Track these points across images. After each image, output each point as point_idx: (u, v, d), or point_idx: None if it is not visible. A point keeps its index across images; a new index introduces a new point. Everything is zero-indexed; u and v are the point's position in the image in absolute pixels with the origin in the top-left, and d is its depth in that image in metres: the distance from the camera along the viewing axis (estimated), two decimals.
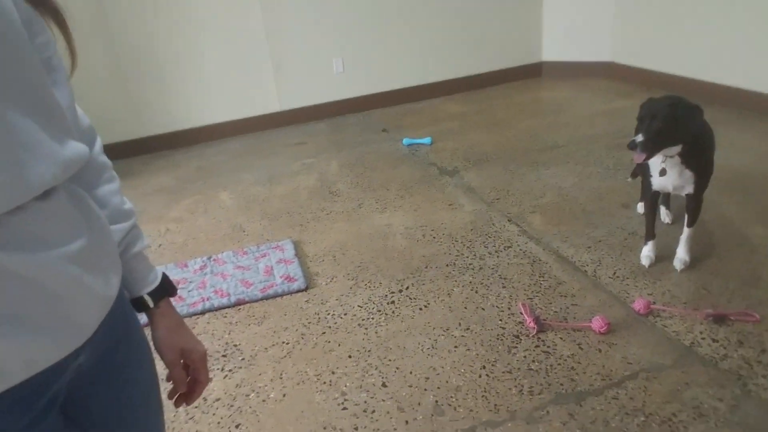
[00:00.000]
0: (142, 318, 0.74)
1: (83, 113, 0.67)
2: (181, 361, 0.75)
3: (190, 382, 0.77)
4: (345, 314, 1.90)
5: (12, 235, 0.48)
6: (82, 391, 0.62)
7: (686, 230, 1.93)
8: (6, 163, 0.47)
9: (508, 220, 2.41)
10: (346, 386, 1.59)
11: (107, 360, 0.64)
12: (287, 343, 1.79)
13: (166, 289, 0.75)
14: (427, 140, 3.42)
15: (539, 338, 1.68)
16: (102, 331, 0.60)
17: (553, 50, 4.54)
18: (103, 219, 0.64)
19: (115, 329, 0.64)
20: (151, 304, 0.73)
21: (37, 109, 0.51)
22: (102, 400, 0.65)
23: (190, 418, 1.53)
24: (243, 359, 1.74)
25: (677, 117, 1.66)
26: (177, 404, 0.78)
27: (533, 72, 4.61)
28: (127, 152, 3.80)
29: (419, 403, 1.50)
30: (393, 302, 1.94)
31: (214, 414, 1.54)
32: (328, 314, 1.91)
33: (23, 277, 0.49)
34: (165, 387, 0.75)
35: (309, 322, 1.88)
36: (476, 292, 1.94)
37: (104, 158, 0.71)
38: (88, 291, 0.56)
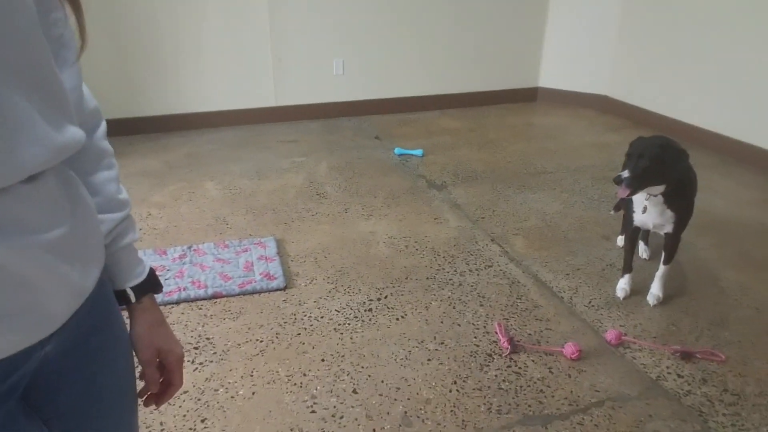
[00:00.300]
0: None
1: (90, 95, 0.66)
2: (157, 360, 0.74)
3: (163, 384, 0.75)
4: (322, 317, 1.90)
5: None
6: (48, 380, 0.59)
7: (662, 267, 1.98)
8: None
9: (491, 240, 2.44)
10: (316, 389, 1.58)
11: (79, 348, 0.62)
12: (261, 341, 1.78)
13: (151, 285, 0.73)
14: (418, 152, 3.44)
15: (512, 359, 1.71)
16: (74, 321, 0.58)
17: (550, 77, 4.63)
18: (91, 207, 0.63)
19: (92, 316, 0.62)
20: (132, 298, 0.71)
21: (36, 90, 0.49)
22: (70, 389, 0.63)
23: (155, 409, 1.50)
24: (215, 353, 1.73)
25: (664, 158, 1.71)
26: (146, 404, 0.77)
27: (529, 96, 4.69)
28: (116, 131, 3.74)
29: (388, 413, 1.50)
30: (370, 310, 1.95)
31: (180, 406, 1.52)
32: (305, 316, 1.91)
33: (7, 259, 0.47)
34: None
35: (285, 322, 1.87)
36: (454, 307, 1.96)
37: (106, 144, 0.69)
38: (62, 281, 0.54)
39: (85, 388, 0.64)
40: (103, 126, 0.69)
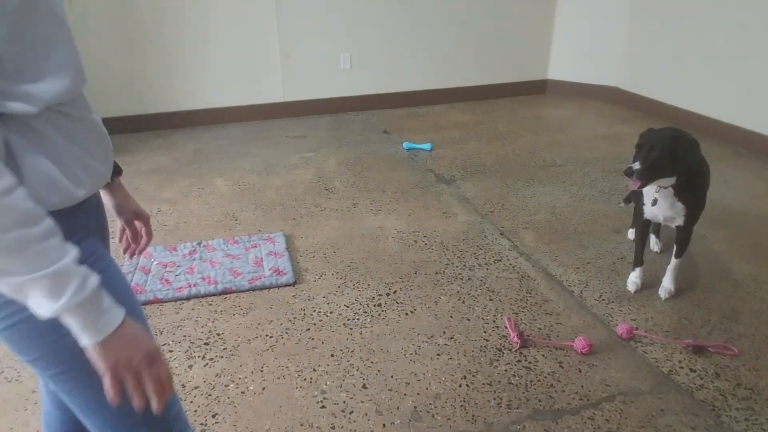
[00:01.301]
0: None
1: None
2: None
3: (138, 238, 1.03)
4: (331, 312, 1.91)
5: (85, 103, 0.75)
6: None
7: (674, 261, 1.96)
8: (76, 60, 0.71)
9: (501, 234, 2.42)
10: (326, 385, 1.59)
11: (99, 210, 0.86)
12: (271, 337, 1.79)
13: (117, 169, 0.96)
14: (427, 146, 3.43)
15: (521, 353, 1.70)
16: None
17: (560, 69, 4.58)
18: None
19: None
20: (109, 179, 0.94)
21: (68, 26, 0.71)
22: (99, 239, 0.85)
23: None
24: (225, 349, 1.74)
25: (675, 150, 1.69)
26: (130, 256, 1.04)
27: (538, 88, 4.65)
28: (126, 128, 3.77)
29: (398, 408, 1.50)
30: (380, 305, 1.95)
31: (191, 402, 1.53)
32: (314, 311, 1.91)
33: (96, 124, 0.77)
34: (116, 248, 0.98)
35: (294, 318, 1.88)
36: (463, 302, 1.96)
37: None
38: (110, 147, 0.81)
39: (103, 240, 0.87)
40: None
